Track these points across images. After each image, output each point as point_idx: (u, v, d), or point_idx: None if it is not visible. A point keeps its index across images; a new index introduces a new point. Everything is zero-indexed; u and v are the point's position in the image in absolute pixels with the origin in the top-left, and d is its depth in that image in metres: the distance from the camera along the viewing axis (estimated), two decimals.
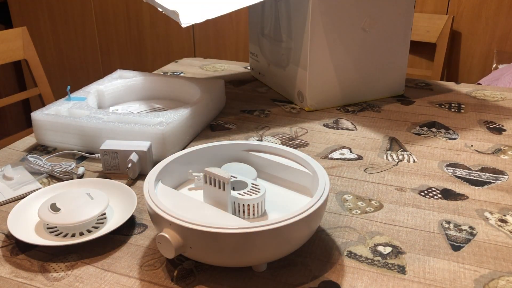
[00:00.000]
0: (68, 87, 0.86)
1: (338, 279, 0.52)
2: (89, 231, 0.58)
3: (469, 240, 0.58)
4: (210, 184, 0.55)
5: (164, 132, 0.74)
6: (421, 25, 2.00)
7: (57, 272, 0.53)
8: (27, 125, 2.70)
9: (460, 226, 0.61)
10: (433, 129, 0.88)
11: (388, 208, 0.64)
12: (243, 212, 0.55)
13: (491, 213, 0.63)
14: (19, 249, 0.57)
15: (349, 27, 0.92)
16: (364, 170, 0.74)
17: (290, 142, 0.83)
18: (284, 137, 0.85)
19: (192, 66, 1.28)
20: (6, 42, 1.62)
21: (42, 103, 1.75)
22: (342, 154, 0.79)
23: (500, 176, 0.72)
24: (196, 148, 0.63)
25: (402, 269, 0.53)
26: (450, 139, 0.84)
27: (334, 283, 0.51)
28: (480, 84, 1.57)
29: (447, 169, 0.74)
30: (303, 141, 0.84)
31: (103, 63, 2.52)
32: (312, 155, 0.79)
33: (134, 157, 0.70)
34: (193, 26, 2.35)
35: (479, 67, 2.01)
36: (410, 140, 0.84)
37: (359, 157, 0.78)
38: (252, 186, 0.56)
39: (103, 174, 0.73)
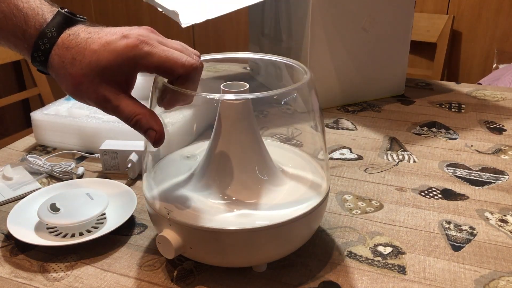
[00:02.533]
0: None
1: (338, 279, 0.52)
2: (88, 231, 0.58)
3: (470, 240, 0.58)
4: None
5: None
6: (421, 25, 2.00)
7: (56, 272, 0.53)
8: (26, 125, 2.69)
9: (460, 226, 0.61)
10: (434, 129, 0.88)
11: (388, 208, 0.64)
12: None
13: (491, 213, 0.63)
14: (19, 249, 0.57)
15: (349, 27, 0.92)
16: (364, 170, 0.74)
17: (288, 143, 0.83)
18: (282, 138, 0.85)
19: None
20: None
21: (41, 103, 1.75)
22: (342, 154, 0.79)
23: (501, 176, 0.72)
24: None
25: (402, 269, 0.53)
26: (450, 139, 0.84)
27: (334, 283, 0.51)
28: (481, 84, 1.56)
29: (447, 169, 0.74)
30: (298, 142, 0.83)
31: None
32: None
33: (134, 157, 0.70)
34: (193, 26, 2.35)
35: (480, 67, 2.01)
36: (411, 140, 0.84)
37: (359, 157, 0.78)
38: None
39: (103, 174, 0.73)
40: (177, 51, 0.48)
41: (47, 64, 0.48)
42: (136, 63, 0.46)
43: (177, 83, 0.48)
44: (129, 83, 0.48)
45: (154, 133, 0.48)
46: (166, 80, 0.50)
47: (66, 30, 0.47)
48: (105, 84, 0.46)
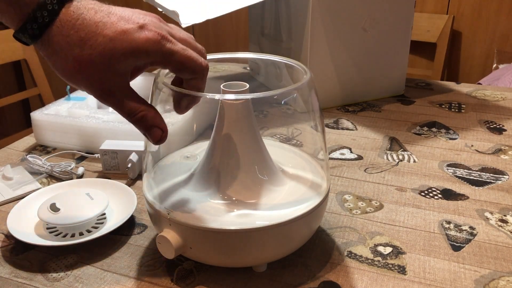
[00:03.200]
0: (68, 87, 0.86)
1: (338, 279, 0.52)
2: (88, 231, 0.58)
3: (470, 240, 0.58)
4: None
5: None
6: (421, 25, 2.00)
7: (56, 272, 0.53)
8: (26, 125, 2.69)
9: (460, 226, 0.61)
10: (434, 129, 0.88)
11: (388, 208, 0.64)
12: None
13: (491, 213, 0.63)
14: (19, 249, 0.57)
15: (349, 27, 0.92)
16: (364, 170, 0.74)
17: (288, 143, 0.83)
18: (282, 138, 0.85)
19: None
20: (6, 42, 1.62)
21: (41, 103, 1.75)
22: (342, 154, 0.79)
23: (501, 176, 0.72)
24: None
25: (402, 269, 0.53)
26: (450, 139, 0.84)
27: (334, 283, 0.51)
28: (481, 84, 1.56)
29: (447, 169, 0.74)
30: (298, 142, 0.83)
31: None
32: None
33: (134, 157, 0.70)
34: (193, 26, 2.35)
35: (480, 67, 2.01)
36: (410, 140, 0.84)
37: (359, 157, 0.78)
38: None
39: (103, 174, 0.73)
40: (187, 44, 0.46)
41: (39, 39, 0.43)
42: (155, 59, 0.44)
43: (189, 82, 0.47)
44: (134, 75, 0.46)
45: (159, 132, 0.47)
46: (165, 81, 0.50)
47: (66, 5, 0.42)
48: (111, 73, 0.43)
